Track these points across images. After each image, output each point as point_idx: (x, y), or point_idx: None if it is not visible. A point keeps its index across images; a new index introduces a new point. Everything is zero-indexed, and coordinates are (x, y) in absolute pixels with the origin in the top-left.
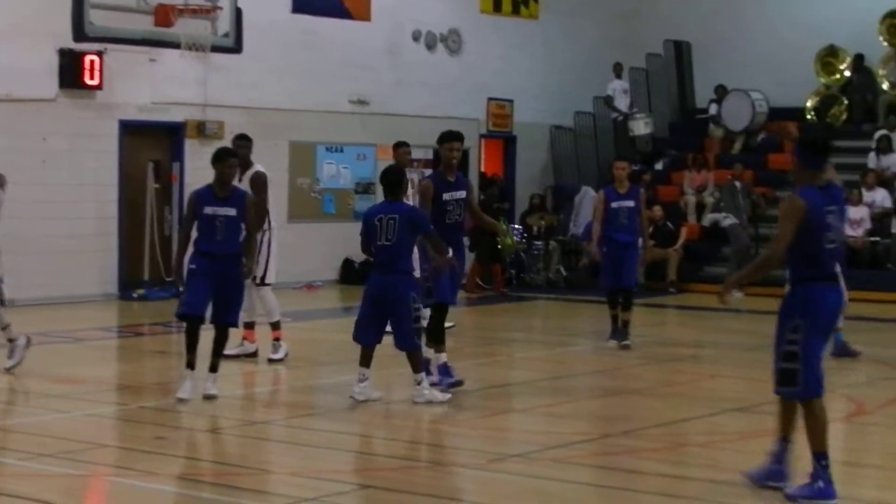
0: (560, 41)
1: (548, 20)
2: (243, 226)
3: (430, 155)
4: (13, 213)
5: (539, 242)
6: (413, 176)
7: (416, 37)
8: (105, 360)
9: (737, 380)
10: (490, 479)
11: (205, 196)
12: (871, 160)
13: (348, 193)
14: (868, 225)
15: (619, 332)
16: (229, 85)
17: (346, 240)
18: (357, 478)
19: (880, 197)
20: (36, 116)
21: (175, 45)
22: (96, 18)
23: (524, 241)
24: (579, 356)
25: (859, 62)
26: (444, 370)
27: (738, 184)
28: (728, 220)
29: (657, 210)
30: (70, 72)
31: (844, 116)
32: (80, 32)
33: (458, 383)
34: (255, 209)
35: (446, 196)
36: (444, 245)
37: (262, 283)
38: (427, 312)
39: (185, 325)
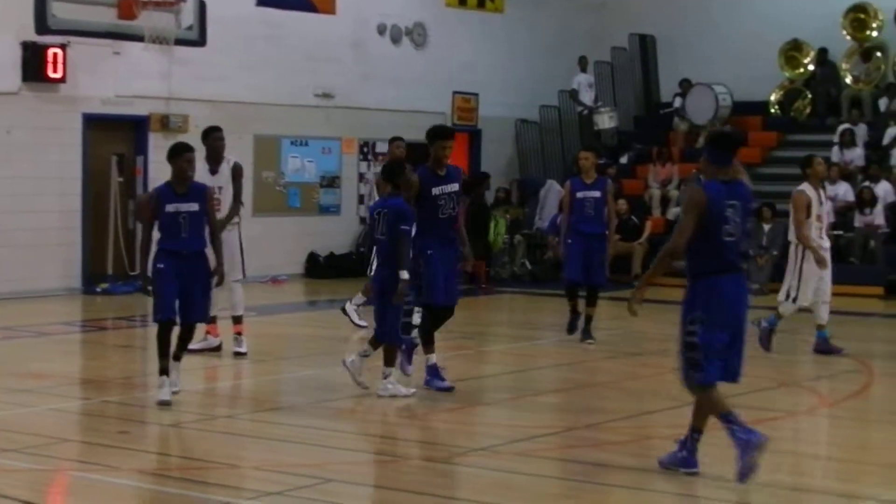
0: (525, 35)
1: (513, 14)
2: (206, 220)
3: None
4: None
5: (504, 236)
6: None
7: (381, 30)
8: (69, 355)
9: None
10: (455, 473)
11: (165, 194)
12: (835, 154)
13: (313, 187)
14: (831, 219)
15: (584, 330)
16: (193, 78)
17: (311, 234)
18: (321, 472)
19: (843, 191)
20: None
21: (139, 38)
22: (59, 11)
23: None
24: (544, 350)
25: (823, 56)
26: (434, 371)
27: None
28: None
29: (622, 204)
30: (33, 65)
31: (808, 110)
32: (42, 25)
33: (448, 389)
34: (233, 200)
35: (436, 190)
36: (406, 259)
37: (242, 278)
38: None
39: (157, 326)
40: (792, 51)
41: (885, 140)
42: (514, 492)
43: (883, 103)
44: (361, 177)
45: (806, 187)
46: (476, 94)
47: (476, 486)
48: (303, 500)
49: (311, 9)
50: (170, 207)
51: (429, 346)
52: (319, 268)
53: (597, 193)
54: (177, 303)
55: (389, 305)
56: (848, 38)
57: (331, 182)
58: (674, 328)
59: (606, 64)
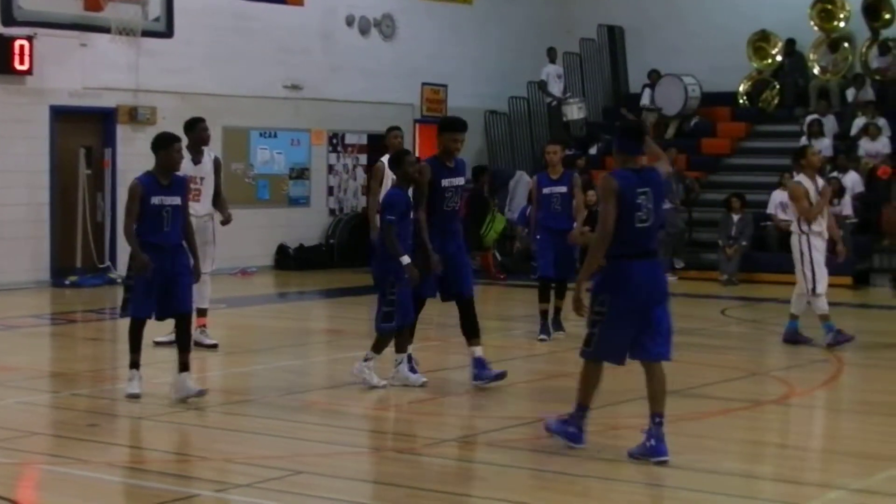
0: (494, 26)
1: (481, 5)
2: (185, 213)
3: (363, 140)
4: None
5: (495, 234)
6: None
7: (349, 22)
8: (37, 348)
9: (670, 363)
10: (425, 464)
11: (149, 185)
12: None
13: (282, 179)
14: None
15: (554, 321)
16: (161, 70)
17: (280, 225)
18: (291, 463)
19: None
20: None
21: (106, 30)
22: (26, 3)
23: None
24: (514, 340)
25: (791, 47)
26: (480, 363)
27: (671, 168)
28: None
29: (591, 195)
30: (0, 57)
31: (776, 101)
32: (8, 17)
33: (500, 376)
34: (220, 195)
35: (445, 182)
36: (398, 246)
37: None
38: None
39: (130, 321)
40: (760, 41)
41: (853, 130)
42: (485, 482)
43: (850, 94)
44: (331, 168)
45: (802, 178)
46: (445, 86)
47: (446, 477)
48: (272, 491)
49: (280, 0)
50: (155, 200)
51: (473, 338)
52: (289, 260)
53: (563, 188)
54: (153, 300)
55: (379, 294)
56: (816, 28)
57: (300, 174)
58: None
59: (575, 55)
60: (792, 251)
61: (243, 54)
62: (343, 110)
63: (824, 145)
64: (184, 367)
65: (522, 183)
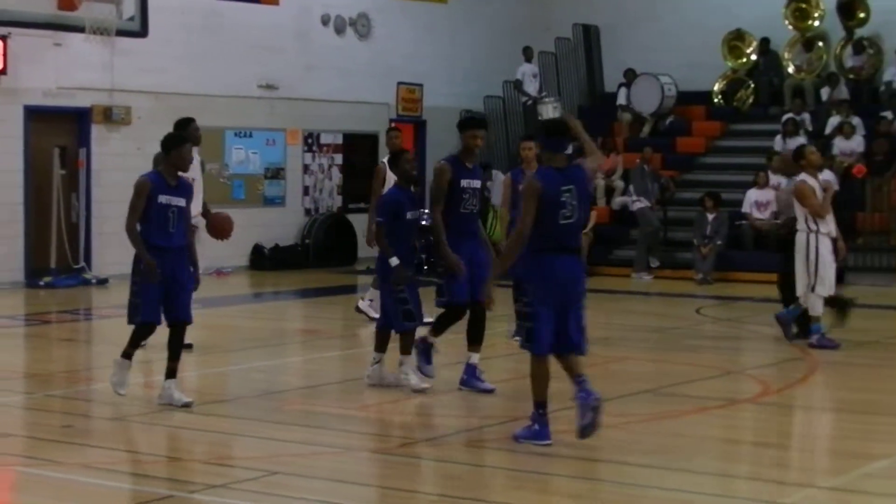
0: (469, 25)
1: (457, 4)
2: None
3: (339, 140)
4: None
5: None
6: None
7: (324, 21)
8: (11, 349)
9: (646, 362)
10: (400, 464)
11: (158, 184)
12: (778, 143)
13: (258, 179)
14: (774, 207)
15: None
16: (136, 69)
17: (255, 226)
18: (266, 464)
19: (786, 181)
20: None
21: (80, 29)
22: None
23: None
24: (488, 339)
25: (765, 46)
26: (472, 371)
27: (646, 167)
28: (637, 204)
29: None
30: None
31: (751, 100)
32: None
33: (487, 391)
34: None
35: (464, 183)
36: (387, 248)
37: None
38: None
39: (136, 327)
40: (735, 40)
41: (828, 129)
42: (460, 482)
43: (825, 92)
44: (306, 168)
45: (805, 177)
46: (420, 85)
47: (422, 477)
48: (247, 492)
49: None
50: (162, 199)
51: (475, 344)
52: (264, 260)
53: None
54: (160, 304)
55: (384, 292)
56: (790, 27)
57: (275, 174)
58: (620, 317)
59: (551, 54)
60: (796, 249)
61: (218, 54)
62: (318, 110)
63: (799, 144)
64: (171, 373)
65: (498, 182)
